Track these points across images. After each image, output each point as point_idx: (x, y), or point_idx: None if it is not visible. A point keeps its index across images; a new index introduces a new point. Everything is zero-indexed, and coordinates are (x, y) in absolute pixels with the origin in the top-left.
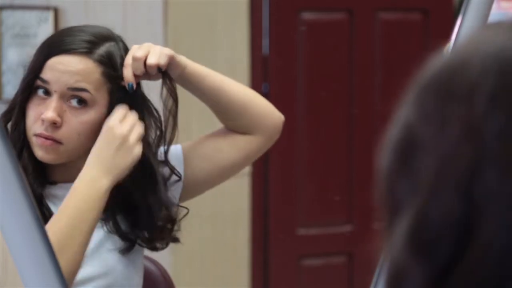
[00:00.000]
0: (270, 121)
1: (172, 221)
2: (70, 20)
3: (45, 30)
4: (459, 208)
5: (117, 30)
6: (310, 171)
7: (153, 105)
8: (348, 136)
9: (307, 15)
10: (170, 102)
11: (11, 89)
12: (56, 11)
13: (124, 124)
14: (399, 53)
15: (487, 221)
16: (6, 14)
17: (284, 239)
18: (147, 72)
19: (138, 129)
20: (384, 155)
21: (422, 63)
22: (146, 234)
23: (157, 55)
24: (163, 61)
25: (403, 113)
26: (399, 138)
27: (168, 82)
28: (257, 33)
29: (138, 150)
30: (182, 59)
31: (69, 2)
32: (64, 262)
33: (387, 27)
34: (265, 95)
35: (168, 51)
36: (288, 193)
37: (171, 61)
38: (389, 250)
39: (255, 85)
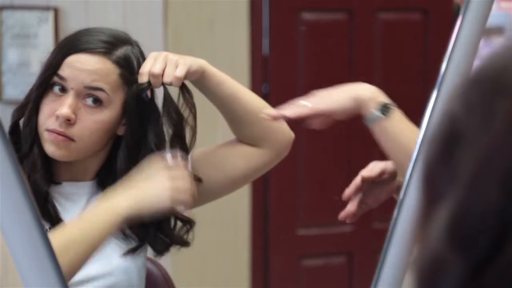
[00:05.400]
0: (280, 135)
1: (177, 224)
2: (70, 20)
3: (45, 30)
4: (499, 202)
5: None
6: (310, 171)
7: (174, 106)
8: (348, 136)
9: (307, 15)
10: (187, 112)
11: (11, 89)
12: (56, 11)
13: (174, 168)
14: (399, 53)
15: None
16: (6, 14)
17: (284, 239)
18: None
19: (183, 182)
20: (428, 146)
21: (422, 63)
22: (151, 236)
23: (173, 69)
24: (180, 73)
25: (449, 107)
26: (443, 130)
27: (186, 94)
28: (257, 33)
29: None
30: (201, 64)
31: (69, 2)
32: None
33: (387, 27)
34: (265, 95)
35: (184, 62)
36: (288, 193)
37: (187, 72)
38: (425, 239)
39: (255, 85)
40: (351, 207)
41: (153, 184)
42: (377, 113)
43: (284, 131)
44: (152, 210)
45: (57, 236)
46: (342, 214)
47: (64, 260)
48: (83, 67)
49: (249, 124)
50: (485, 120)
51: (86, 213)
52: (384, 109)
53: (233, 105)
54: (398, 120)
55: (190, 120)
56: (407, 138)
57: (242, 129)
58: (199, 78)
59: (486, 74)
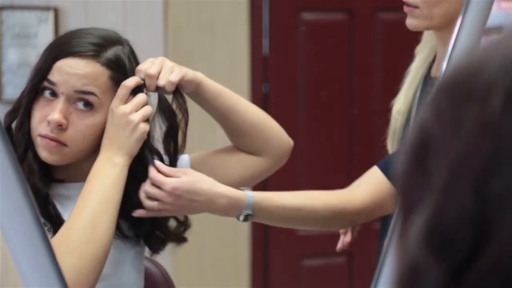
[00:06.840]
0: (279, 145)
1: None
2: (70, 20)
3: (45, 30)
4: (474, 206)
5: (117, 31)
6: (310, 171)
7: (168, 106)
8: (348, 136)
9: (307, 15)
10: (180, 117)
11: (11, 89)
12: (56, 11)
13: (126, 105)
14: (399, 53)
15: (503, 218)
16: (6, 14)
17: (284, 239)
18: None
19: (144, 109)
20: (401, 155)
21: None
22: (147, 235)
23: (168, 74)
24: (174, 78)
25: (420, 115)
26: (414, 138)
27: (179, 98)
28: (257, 33)
29: (143, 126)
30: (198, 76)
31: (69, 2)
32: (96, 243)
33: (387, 27)
34: (265, 95)
35: (180, 69)
36: None
37: (182, 80)
38: (403, 248)
39: (255, 85)
40: (347, 238)
41: (124, 125)
42: (243, 219)
43: (283, 140)
44: (138, 145)
45: (80, 213)
46: (340, 246)
47: (100, 227)
48: (72, 71)
49: (248, 135)
50: (454, 126)
51: (89, 183)
52: (246, 216)
53: (231, 117)
54: (266, 206)
55: (181, 125)
56: (289, 205)
57: (241, 140)
58: (196, 90)
59: (453, 81)
